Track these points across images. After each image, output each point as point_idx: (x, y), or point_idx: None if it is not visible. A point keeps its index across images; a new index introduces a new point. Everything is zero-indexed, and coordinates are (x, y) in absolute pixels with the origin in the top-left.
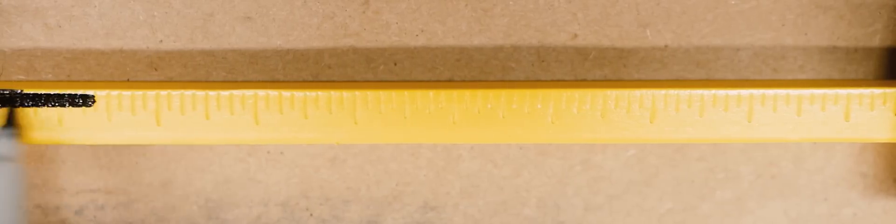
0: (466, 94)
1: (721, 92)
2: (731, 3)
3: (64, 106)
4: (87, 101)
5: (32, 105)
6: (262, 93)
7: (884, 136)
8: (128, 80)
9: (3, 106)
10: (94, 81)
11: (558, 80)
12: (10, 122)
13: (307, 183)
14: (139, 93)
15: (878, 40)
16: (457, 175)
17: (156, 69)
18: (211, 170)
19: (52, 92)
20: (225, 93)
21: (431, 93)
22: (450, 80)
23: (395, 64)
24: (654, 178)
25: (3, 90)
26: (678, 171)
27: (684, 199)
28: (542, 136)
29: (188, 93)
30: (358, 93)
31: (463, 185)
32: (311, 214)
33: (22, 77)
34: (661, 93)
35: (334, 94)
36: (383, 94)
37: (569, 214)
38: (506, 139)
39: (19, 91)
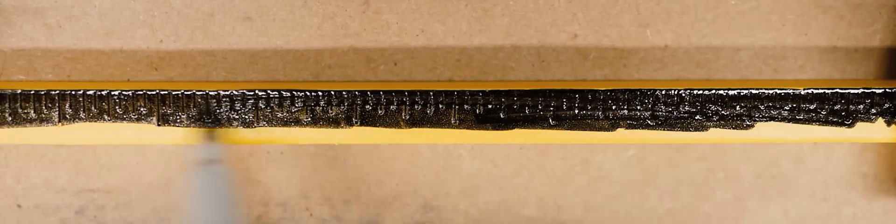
0: (467, 94)
1: (721, 92)
2: (731, 3)
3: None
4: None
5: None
6: (262, 93)
7: (884, 136)
8: (128, 80)
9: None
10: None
11: (558, 80)
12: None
13: (307, 183)
14: (140, 92)
15: (878, 40)
16: (457, 175)
17: (156, 69)
18: None
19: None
20: (225, 92)
21: (432, 93)
22: (450, 80)
23: (395, 64)
24: (654, 178)
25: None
26: (678, 171)
27: (684, 199)
28: (542, 136)
29: (189, 92)
30: (358, 93)
31: (463, 185)
32: (311, 214)
33: (22, 77)
34: (661, 93)
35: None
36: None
37: (569, 214)
38: (506, 139)
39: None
